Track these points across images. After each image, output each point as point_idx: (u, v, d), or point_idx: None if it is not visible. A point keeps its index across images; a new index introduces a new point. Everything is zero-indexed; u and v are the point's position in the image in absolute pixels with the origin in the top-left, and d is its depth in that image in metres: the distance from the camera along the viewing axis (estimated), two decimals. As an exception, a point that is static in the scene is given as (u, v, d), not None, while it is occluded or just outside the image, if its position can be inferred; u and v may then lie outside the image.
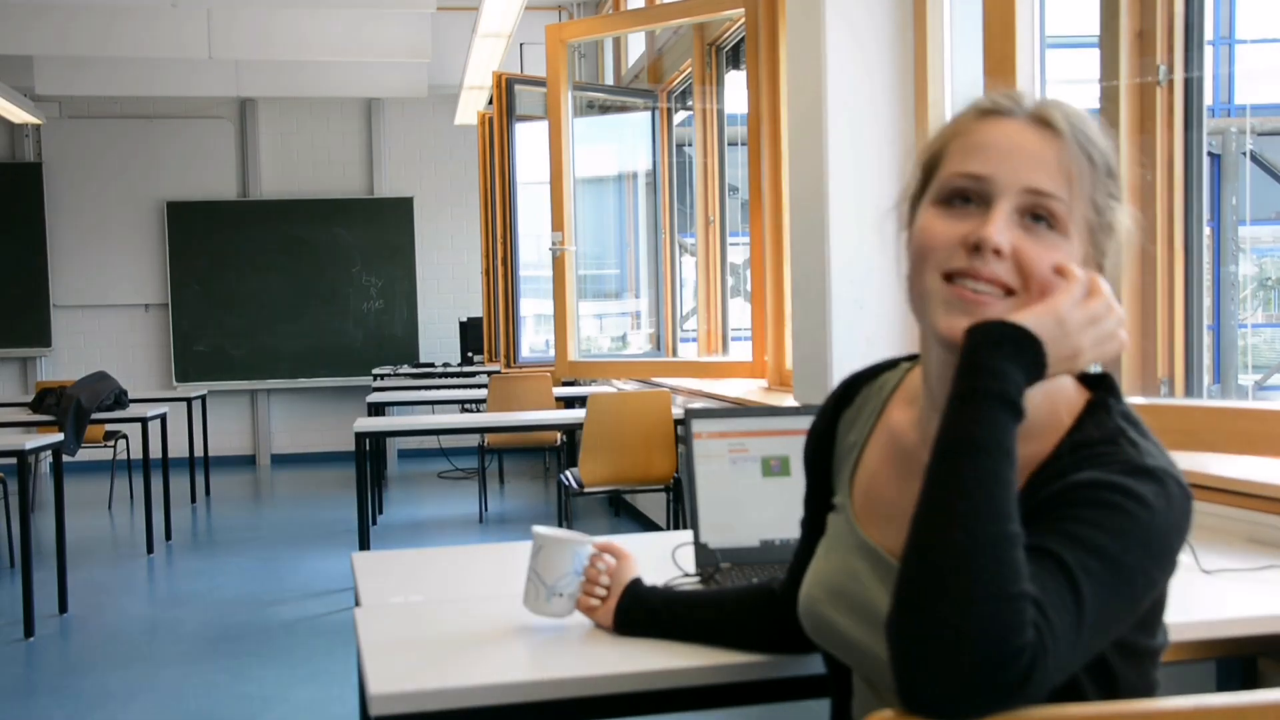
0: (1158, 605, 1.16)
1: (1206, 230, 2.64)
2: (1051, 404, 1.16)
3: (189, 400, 7.97)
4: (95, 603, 5.26)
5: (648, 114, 6.76)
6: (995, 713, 0.96)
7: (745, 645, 1.48)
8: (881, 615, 1.08)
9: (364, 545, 5.08)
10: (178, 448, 7.27)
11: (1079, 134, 1.15)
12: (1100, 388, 1.19)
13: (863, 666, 1.24)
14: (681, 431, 4.87)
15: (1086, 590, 1.02)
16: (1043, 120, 1.15)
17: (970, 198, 1.14)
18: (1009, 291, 1.12)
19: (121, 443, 8.00)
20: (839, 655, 1.28)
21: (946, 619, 0.96)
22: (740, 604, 1.50)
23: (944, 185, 1.16)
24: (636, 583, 1.57)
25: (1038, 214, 1.13)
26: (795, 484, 1.89)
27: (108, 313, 10.15)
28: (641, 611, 1.54)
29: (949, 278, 1.13)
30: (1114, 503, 1.06)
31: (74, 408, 6.06)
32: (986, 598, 0.96)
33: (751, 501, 1.89)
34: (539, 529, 1.59)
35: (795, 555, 1.42)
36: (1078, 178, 1.14)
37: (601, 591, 1.57)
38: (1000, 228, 1.11)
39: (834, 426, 1.37)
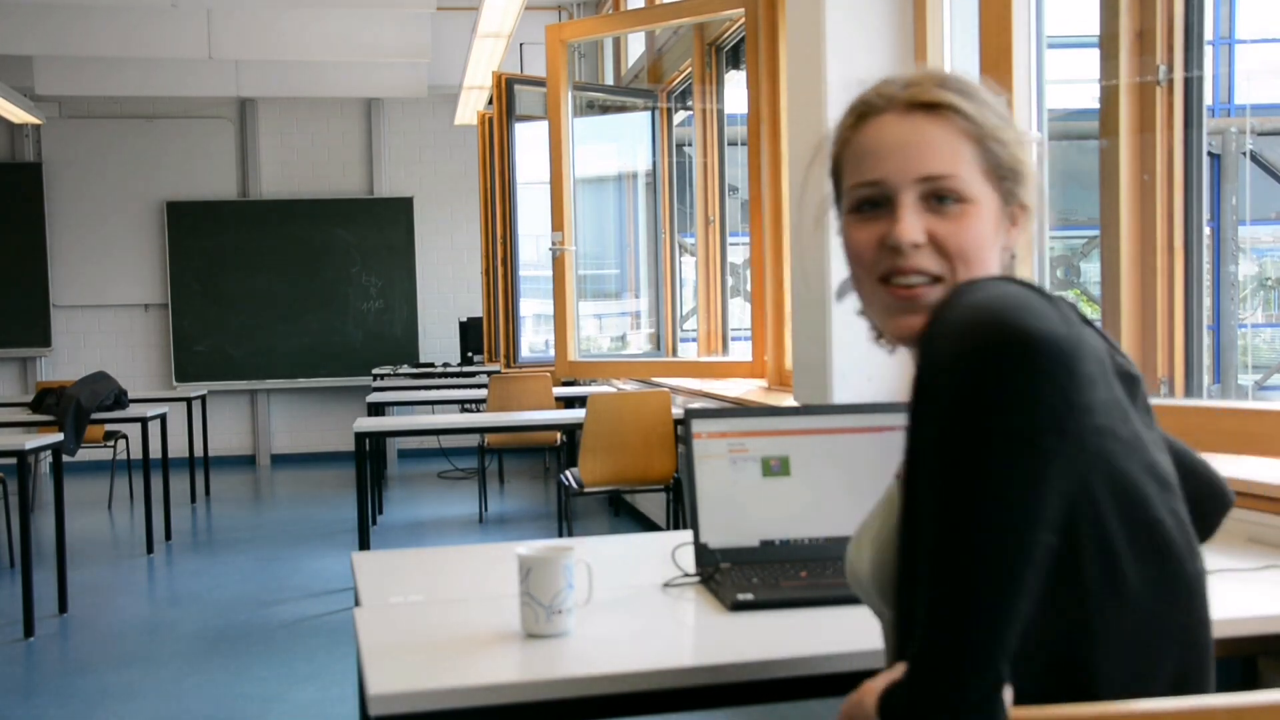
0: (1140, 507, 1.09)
1: (1206, 230, 2.64)
2: None
3: (189, 400, 7.97)
4: (95, 603, 5.26)
5: (648, 114, 6.76)
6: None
7: None
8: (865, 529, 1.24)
9: (364, 545, 5.08)
10: (178, 448, 7.28)
11: (950, 103, 1.19)
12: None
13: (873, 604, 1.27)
14: (681, 431, 4.87)
15: (948, 565, 1.01)
16: (912, 105, 1.20)
17: (876, 201, 1.20)
18: (936, 278, 1.18)
19: (121, 443, 8.00)
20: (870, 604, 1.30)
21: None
22: None
23: (850, 197, 1.23)
24: None
25: (940, 195, 1.18)
26: (795, 484, 1.90)
27: (107, 313, 10.15)
28: None
29: (884, 279, 1.20)
30: (918, 449, 1.08)
31: (74, 408, 6.06)
32: None
33: (751, 501, 1.89)
34: (522, 552, 1.57)
35: None
36: (961, 146, 1.19)
37: None
38: (908, 224, 1.17)
39: None
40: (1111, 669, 1.06)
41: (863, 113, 1.23)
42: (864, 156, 1.21)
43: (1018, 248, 1.24)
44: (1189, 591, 1.11)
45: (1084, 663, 1.06)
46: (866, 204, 1.21)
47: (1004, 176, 1.20)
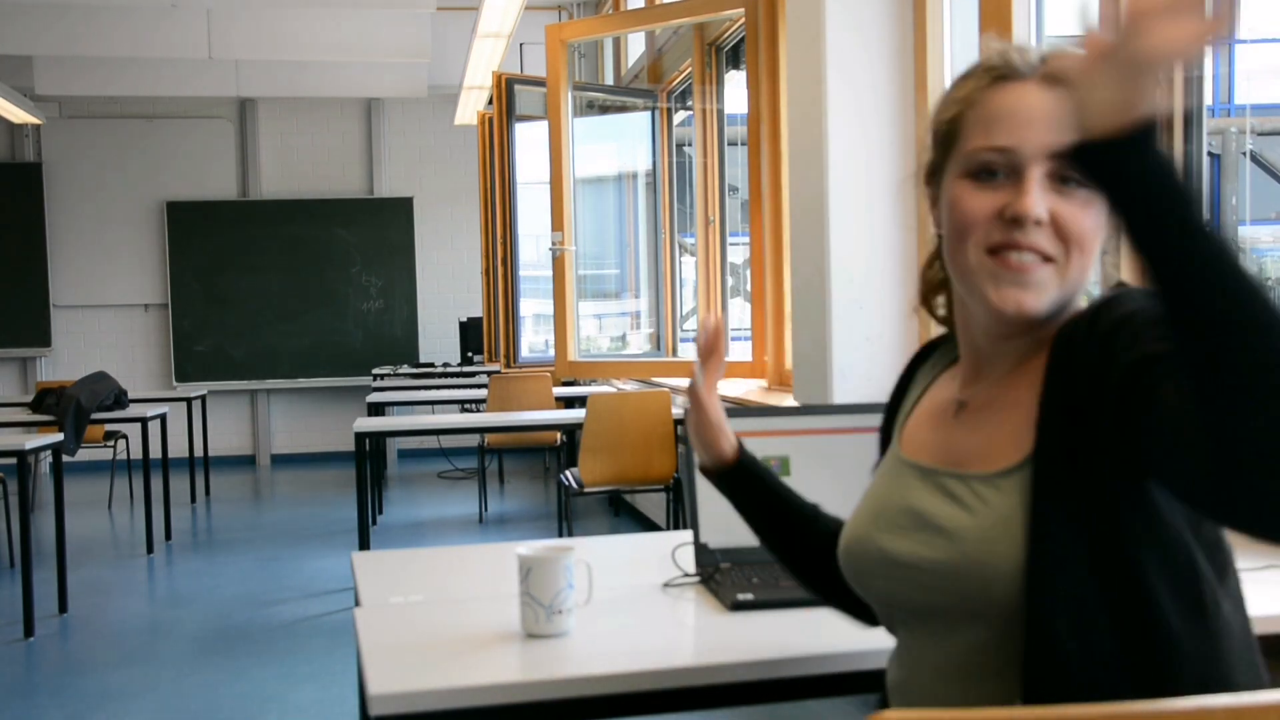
0: None
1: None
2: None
3: (189, 400, 7.97)
4: (95, 603, 5.26)
5: (648, 114, 6.76)
6: None
7: (806, 566, 1.44)
8: (931, 517, 1.14)
9: (364, 545, 5.08)
10: (178, 448, 7.28)
11: None
12: None
13: (915, 593, 1.18)
14: (681, 431, 4.87)
15: None
16: (1055, 78, 1.12)
17: (998, 170, 1.14)
18: (1048, 258, 1.13)
19: (121, 443, 8.00)
20: (882, 601, 1.25)
21: None
22: (827, 532, 1.42)
23: (970, 159, 1.16)
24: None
25: (1066, 176, 1.13)
26: (795, 484, 1.89)
27: (108, 313, 10.15)
28: (756, 467, 1.47)
29: (992, 251, 1.14)
30: (1148, 309, 1.03)
31: (74, 408, 6.06)
32: None
33: (751, 501, 1.88)
34: (522, 551, 1.57)
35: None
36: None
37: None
38: (1036, 198, 1.12)
39: (907, 383, 1.38)
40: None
41: (1002, 74, 1.16)
42: (997, 120, 1.14)
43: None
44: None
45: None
46: (986, 171, 1.14)
47: None
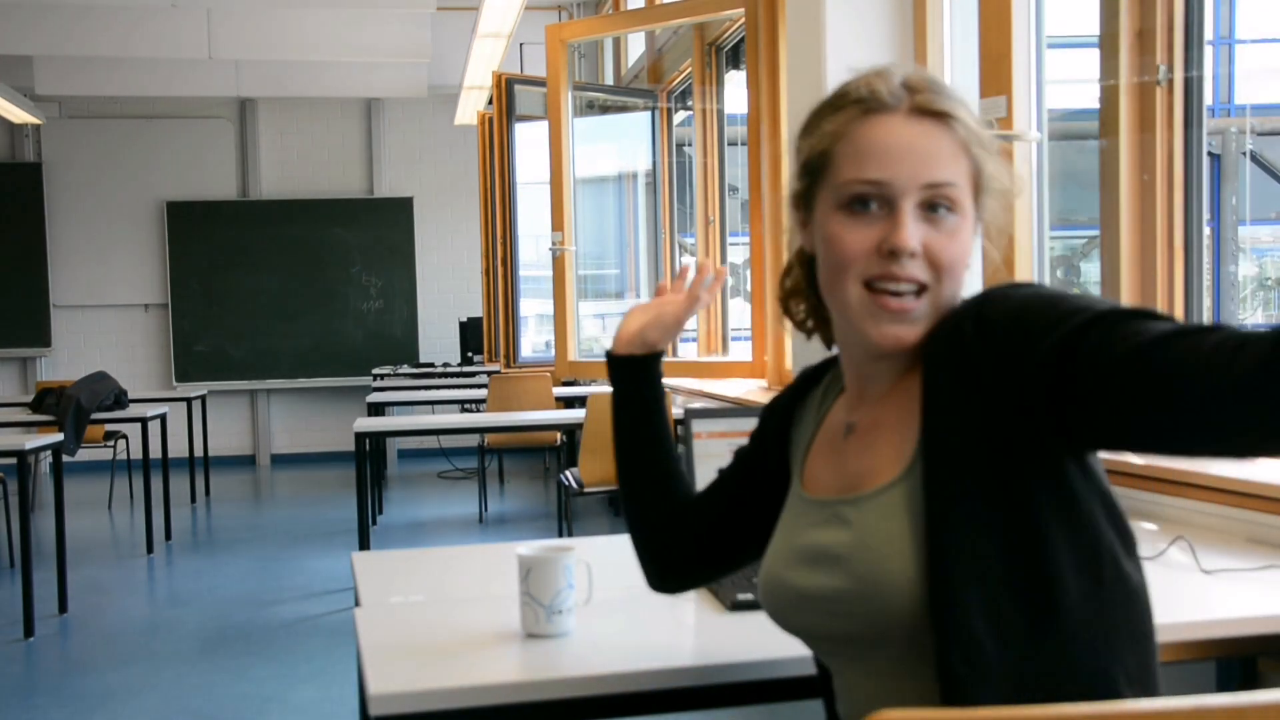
0: None
1: (1206, 230, 2.64)
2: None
3: (189, 400, 7.97)
4: (95, 603, 5.26)
5: (648, 114, 6.76)
6: None
7: (648, 522, 1.49)
8: (827, 548, 1.19)
9: (364, 545, 5.08)
10: (178, 448, 7.27)
11: (954, 113, 1.19)
12: None
13: (829, 624, 1.21)
14: (681, 431, 4.86)
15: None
16: (923, 110, 1.18)
17: (871, 201, 1.17)
18: (923, 286, 1.17)
19: (121, 443, 8.00)
20: (803, 635, 1.27)
21: None
22: (684, 493, 1.50)
23: (842, 191, 1.19)
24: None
25: (935, 204, 1.17)
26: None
27: (108, 313, 10.14)
28: (658, 381, 1.55)
29: (869, 284, 1.18)
30: (1035, 295, 1.10)
31: (74, 408, 6.06)
32: None
33: (751, 501, 1.88)
34: (522, 551, 1.57)
35: (702, 492, 1.48)
36: (961, 156, 1.18)
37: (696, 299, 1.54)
38: (910, 231, 1.15)
39: (791, 411, 1.40)
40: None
41: (870, 107, 1.19)
42: (869, 155, 1.17)
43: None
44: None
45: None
46: (859, 201, 1.17)
47: (982, 189, 1.20)
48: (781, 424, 1.39)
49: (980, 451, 1.09)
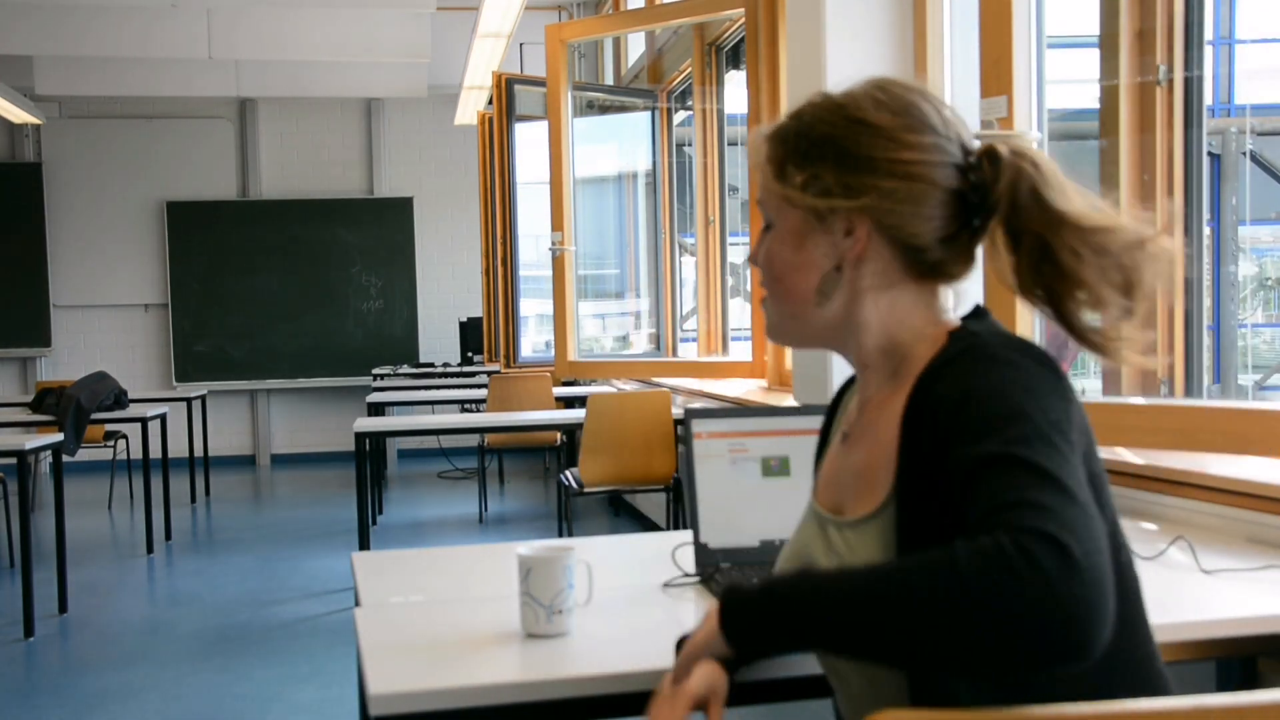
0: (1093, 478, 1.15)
1: (1206, 230, 2.64)
2: (907, 349, 1.24)
3: (189, 400, 7.97)
4: (95, 603, 5.26)
5: (648, 114, 6.76)
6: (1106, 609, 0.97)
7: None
8: (823, 566, 1.24)
9: (364, 545, 5.08)
10: (178, 448, 7.28)
11: (764, 129, 1.30)
12: (969, 316, 1.26)
13: None
14: (681, 431, 4.87)
15: (1040, 459, 1.03)
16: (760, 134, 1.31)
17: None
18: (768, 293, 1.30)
19: (121, 443, 8.00)
20: None
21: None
22: None
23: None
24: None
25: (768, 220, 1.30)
26: (795, 484, 1.89)
27: (108, 313, 10.14)
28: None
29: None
30: (984, 388, 1.11)
31: (74, 408, 6.06)
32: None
33: (751, 501, 1.89)
34: (522, 551, 1.57)
35: None
36: (761, 173, 1.28)
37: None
38: (754, 247, 1.31)
39: (835, 407, 1.45)
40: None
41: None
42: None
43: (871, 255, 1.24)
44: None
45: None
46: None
47: (817, 193, 1.24)
48: (827, 419, 1.45)
49: (942, 492, 1.12)
